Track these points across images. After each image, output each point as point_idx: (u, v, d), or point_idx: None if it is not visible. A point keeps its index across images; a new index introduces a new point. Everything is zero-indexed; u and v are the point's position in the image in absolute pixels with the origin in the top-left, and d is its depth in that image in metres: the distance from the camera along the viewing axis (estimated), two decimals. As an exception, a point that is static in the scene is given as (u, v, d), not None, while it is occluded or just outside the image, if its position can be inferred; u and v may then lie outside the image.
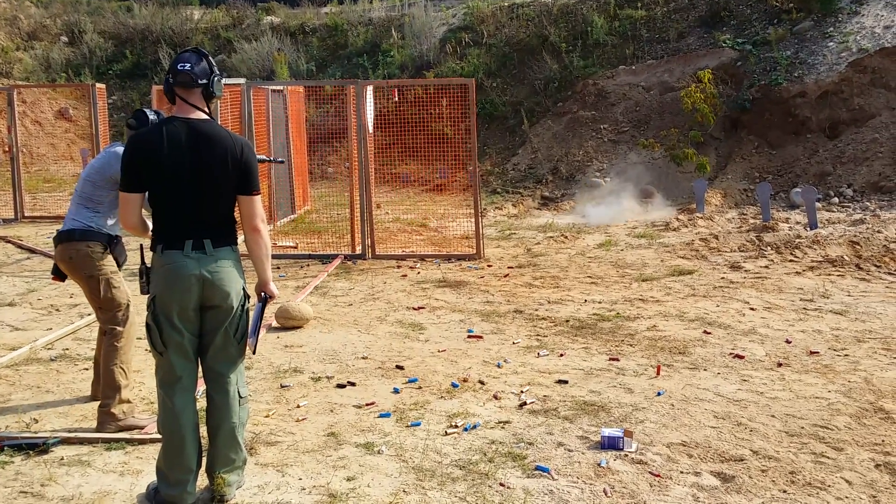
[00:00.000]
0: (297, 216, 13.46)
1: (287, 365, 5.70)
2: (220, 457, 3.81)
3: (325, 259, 9.95)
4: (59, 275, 4.90)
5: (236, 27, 29.08)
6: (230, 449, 3.81)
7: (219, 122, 3.97)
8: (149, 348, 3.81)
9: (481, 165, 17.39)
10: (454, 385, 5.27)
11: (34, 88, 25.80)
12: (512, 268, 9.33)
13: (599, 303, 7.54)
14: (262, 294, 4.01)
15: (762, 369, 5.62)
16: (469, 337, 6.47)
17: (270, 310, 6.39)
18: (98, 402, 4.66)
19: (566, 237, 11.14)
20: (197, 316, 3.75)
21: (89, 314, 7.10)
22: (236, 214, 3.86)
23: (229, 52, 26.58)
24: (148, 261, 3.91)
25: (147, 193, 3.76)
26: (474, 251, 10.04)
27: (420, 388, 5.25)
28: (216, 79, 3.81)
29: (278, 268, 9.53)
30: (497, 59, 20.13)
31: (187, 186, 3.69)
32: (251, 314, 3.93)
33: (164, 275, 3.69)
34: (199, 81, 3.75)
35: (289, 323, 6.69)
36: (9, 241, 11.11)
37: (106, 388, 4.63)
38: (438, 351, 6.07)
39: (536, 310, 7.31)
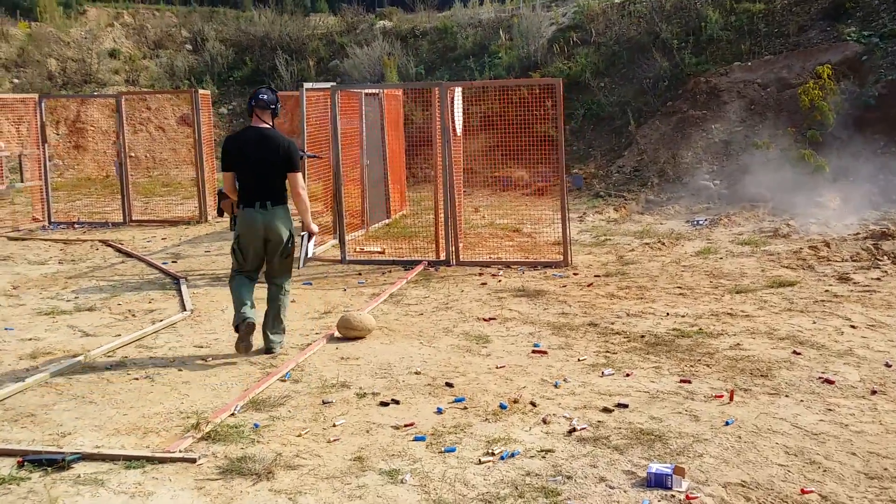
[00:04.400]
0: (392, 220, 13.34)
1: (336, 379, 5.49)
2: (268, 322, 6.23)
3: (409, 265, 9.74)
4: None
5: (350, 32, 29.44)
6: (275, 319, 6.25)
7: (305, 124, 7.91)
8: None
9: (585, 168, 16.88)
10: (502, 406, 4.93)
11: (157, 95, 26.76)
12: (598, 276, 8.87)
13: (683, 317, 7.02)
14: (307, 233, 6.39)
15: (853, 397, 5.03)
16: (533, 352, 6.11)
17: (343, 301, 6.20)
18: None
19: (663, 244, 10.57)
20: (262, 245, 6.14)
21: (162, 320, 7.13)
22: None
23: (342, 58, 26.93)
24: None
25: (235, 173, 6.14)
26: (562, 258, 9.62)
27: (465, 408, 4.93)
28: (278, 105, 6.29)
29: (360, 273, 9.40)
30: (606, 58, 19.53)
31: (254, 168, 6.08)
32: (299, 245, 6.37)
33: (242, 220, 6.14)
34: (270, 106, 6.23)
35: (350, 333, 6.50)
36: (110, 245, 11.42)
37: None
38: (497, 367, 5.74)
39: (613, 323, 6.87)
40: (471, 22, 24.74)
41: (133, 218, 14.02)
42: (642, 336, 6.44)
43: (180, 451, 4.24)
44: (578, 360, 5.89)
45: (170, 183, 20.91)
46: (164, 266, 9.76)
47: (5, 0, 41.72)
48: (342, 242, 10.13)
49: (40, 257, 10.59)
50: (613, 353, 6.01)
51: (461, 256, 10.00)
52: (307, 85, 10.36)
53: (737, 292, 7.85)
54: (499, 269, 9.47)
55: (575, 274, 9.05)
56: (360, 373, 5.65)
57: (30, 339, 6.53)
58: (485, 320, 7.10)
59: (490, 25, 23.73)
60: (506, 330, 6.78)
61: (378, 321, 7.09)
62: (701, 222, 12.12)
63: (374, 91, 13.05)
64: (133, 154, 26.76)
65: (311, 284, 8.77)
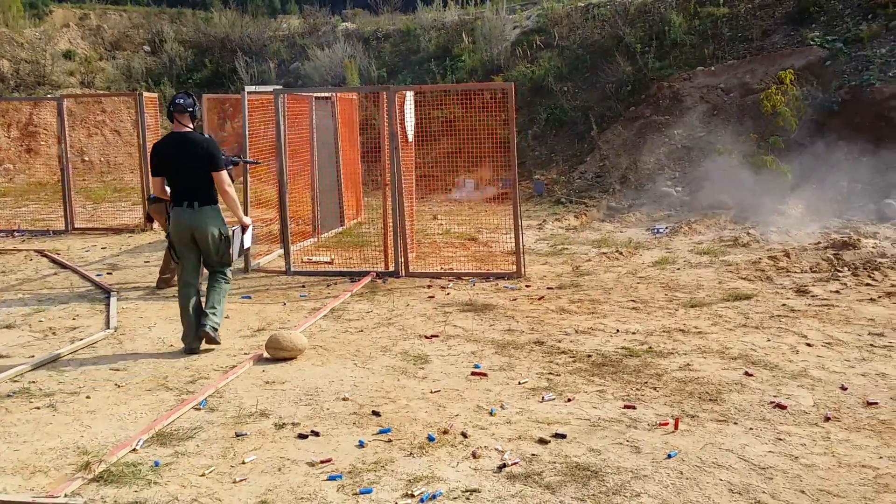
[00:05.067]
0: (346, 228, 12.94)
1: (256, 407, 5.09)
2: (207, 304, 6.47)
3: (356, 276, 9.35)
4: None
5: (313, 34, 28.98)
6: (214, 302, 6.49)
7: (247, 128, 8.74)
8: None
9: (547, 174, 16.58)
10: (430, 438, 4.55)
11: (114, 98, 26.08)
12: (551, 289, 8.53)
13: (633, 333, 6.68)
14: (239, 226, 6.74)
15: (805, 424, 4.71)
16: (473, 374, 5.74)
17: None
18: None
19: (621, 253, 10.26)
20: (192, 242, 6.45)
21: (82, 339, 6.68)
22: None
23: (304, 60, 26.46)
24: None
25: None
26: (515, 269, 9.27)
27: (390, 440, 4.55)
28: (196, 108, 6.49)
29: (303, 286, 8.99)
30: (569, 62, 19.25)
31: (180, 170, 6.38)
32: (233, 239, 6.59)
33: (172, 220, 6.47)
34: (188, 109, 6.46)
35: (279, 354, 6.09)
36: (45, 255, 10.91)
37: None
38: (431, 391, 5.36)
39: (560, 341, 6.52)
40: (434, 25, 24.39)
41: (76, 226, 13.49)
42: (589, 356, 6.10)
43: (65, 496, 3.83)
44: (519, 383, 5.53)
45: (123, 188, 20.32)
46: (96, 278, 9.28)
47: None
48: (287, 253, 9.72)
49: (-32, 269, 10.08)
50: (557, 375, 5.66)
51: (411, 267, 9.62)
52: (249, 88, 9.93)
53: (691, 306, 7.54)
54: (449, 280, 9.11)
55: (527, 286, 8.71)
56: (283, 399, 5.24)
57: (-69, 363, 6.07)
58: (426, 338, 6.72)
59: (453, 28, 23.40)
60: (447, 348, 6.41)
61: (313, 339, 6.70)
62: (661, 230, 11.83)
63: (325, 95, 12.64)
64: (87, 158, 26.14)
65: (249, 298, 8.36)
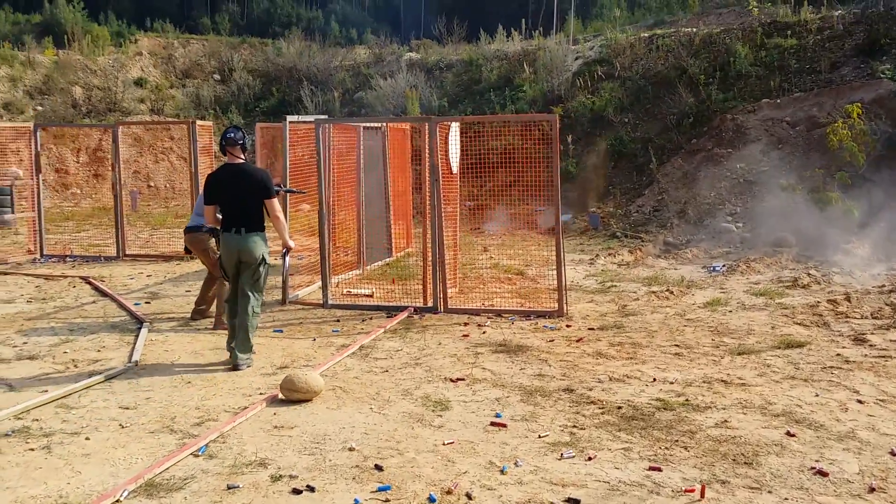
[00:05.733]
0: (394, 259, 12.74)
1: (256, 455, 4.84)
2: (235, 334, 6.90)
3: (393, 311, 9.11)
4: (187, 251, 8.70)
5: (377, 64, 29.14)
6: (242, 333, 6.85)
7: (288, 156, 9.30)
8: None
9: (604, 206, 16.17)
10: (431, 499, 4.23)
11: (182, 125, 26.55)
12: (592, 329, 8.15)
13: (671, 383, 6.27)
14: (286, 249, 7.34)
15: (846, 495, 4.26)
16: (492, 424, 5.40)
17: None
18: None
19: (671, 292, 9.81)
20: (237, 264, 6.93)
21: (101, 372, 6.57)
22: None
23: (367, 89, 26.58)
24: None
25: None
26: (556, 307, 8.91)
27: (387, 501, 4.24)
28: (246, 140, 7.07)
29: (338, 320, 8.79)
30: (630, 92, 18.86)
31: (232, 199, 6.91)
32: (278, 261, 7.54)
33: (223, 243, 6.99)
34: (239, 142, 7.00)
35: (294, 396, 5.85)
36: (89, 282, 10.94)
37: (219, 306, 8.21)
38: (444, 443, 5.05)
39: (591, 389, 6.14)
40: (497, 55, 24.23)
41: (128, 252, 13.58)
42: (619, 407, 5.71)
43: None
44: (539, 436, 5.17)
45: (184, 214, 20.50)
46: (133, 307, 9.23)
47: (38, 25, 42.33)
48: (324, 285, 9.53)
49: (11, 295, 10.13)
50: (581, 429, 5.29)
51: (452, 302, 9.34)
52: (290, 119, 9.83)
53: (738, 353, 7.08)
54: (488, 317, 8.80)
55: (568, 326, 8.34)
56: (287, 447, 4.99)
57: (-57, 395, 5.99)
58: (452, 381, 6.42)
59: (515, 59, 23.20)
60: (471, 394, 6.09)
61: (335, 379, 6.46)
62: (718, 269, 11.32)
63: (375, 125, 12.50)
64: (152, 184, 26.63)
65: (281, 332, 8.17)
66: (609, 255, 12.82)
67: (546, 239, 14.26)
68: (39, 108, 27.07)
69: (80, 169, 25.42)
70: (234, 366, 6.80)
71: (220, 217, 7.01)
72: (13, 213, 16.53)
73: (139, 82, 30.47)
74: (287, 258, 7.48)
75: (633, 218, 15.08)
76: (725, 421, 5.39)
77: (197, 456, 4.78)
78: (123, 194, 13.77)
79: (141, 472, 4.46)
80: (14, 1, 64.85)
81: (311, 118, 9.97)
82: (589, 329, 8.18)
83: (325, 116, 13.92)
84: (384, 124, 12.73)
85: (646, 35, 21.15)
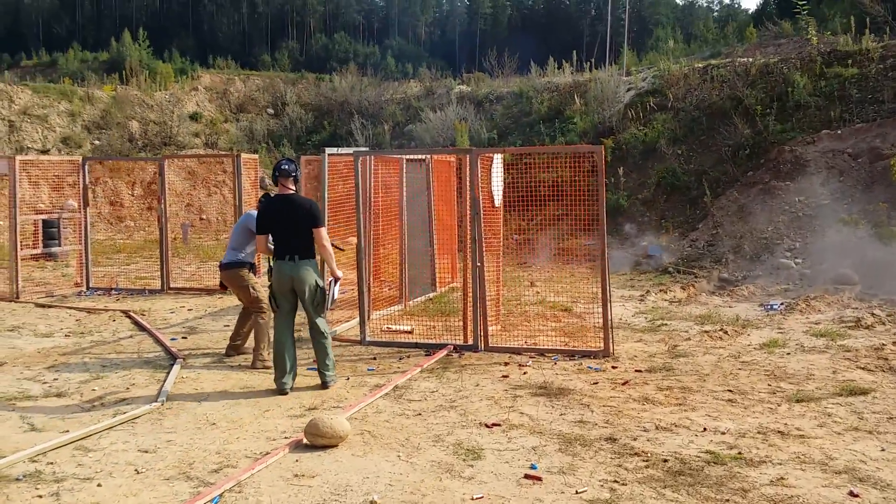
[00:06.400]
0: (438, 294, 12.46)
1: (272, 506, 4.55)
2: (319, 362, 7.35)
3: (432, 349, 8.80)
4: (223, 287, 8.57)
5: (428, 97, 29.14)
6: (324, 358, 7.30)
7: (326, 189, 9.48)
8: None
9: (655, 241, 15.69)
10: (453, 561, 3.89)
11: (225, 159, 26.79)
12: (639, 371, 7.73)
13: (723, 433, 5.83)
14: (333, 278, 7.36)
15: (920, 570, 3.80)
16: (526, 476, 5.04)
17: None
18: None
19: (725, 332, 9.33)
20: (291, 292, 7.21)
21: (126, 411, 6.37)
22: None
23: (417, 122, 26.54)
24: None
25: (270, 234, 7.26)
26: (602, 347, 8.51)
27: (406, 561, 3.91)
28: (298, 172, 7.43)
29: (374, 358, 8.50)
30: (684, 124, 18.43)
31: (284, 228, 7.16)
32: (326, 290, 7.30)
33: (275, 272, 7.24)
34: (292, 174, 7.29)
35: (318, 441, 5.56)
36: (129, 316, 10.85)
37: (257, 342, 8.11)
38: (472, 498, 4.70)
39: (635, 439, 5.74)
40: (547, 87, 23.99)
41: (172, 285, 13.53)
42: (665, 460, 5.29)
43: None
44: (577, 492, 4.79)
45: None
46: (169, 343, 9.07)
47: (105, 63, 43.42)
48: (362, 322, 9.26)
49: (51, 328, 10.07)
50: (623, 485, 4.89)
51: (493, 340, 9.00)
52: (329, 151, 9.65)
53: (797, 401, 6.60)
54: (530, 357, 8.43)
55: (613, 367, 7.93)
56: (305, 498, 4.69)
57: (-38, 434, 5.83)
58: (487, 426, 6.07)
59: (566, 90, 22.93)
60: (506, 441, 5.73)
61: (365, 422, 6.16)
62: (775, 307, 10.80)
63: (419, 157, 12.29)
64: (205, 216, 26.83)
65: (315, 369, 7.90)
66: (660, 291, 12.36)
67: (594, 274, 13.85)
68: (97, 142, 27.56)
69: (134, 202, 25.75)
70: (324, 384, 7.26)
71: (273, 246, 7.28)
72: (60, 245, 16.66)
73: (194, 117, 30.92)
74: (336, 287, 7.45)
75: (686, 253, 14.59)
76: (781, 478, 4.94)
77: (209, 507, 4.51)
78: (169, 227, 13.72)
79: (147, 526, 4.20)
80: (84, 39, 67.13)
81: (350, 150, 9.78)
82: (636, 371, 7.76)
83: (366, 149, 13.74)
84: (428, 156, 12.51)
85: (700, 66, 20.70)
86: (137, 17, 78.99)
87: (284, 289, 7.19)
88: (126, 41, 46.67)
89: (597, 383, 7.33)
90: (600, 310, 8.70)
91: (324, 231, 7.33)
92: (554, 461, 5.32)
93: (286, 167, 7.31)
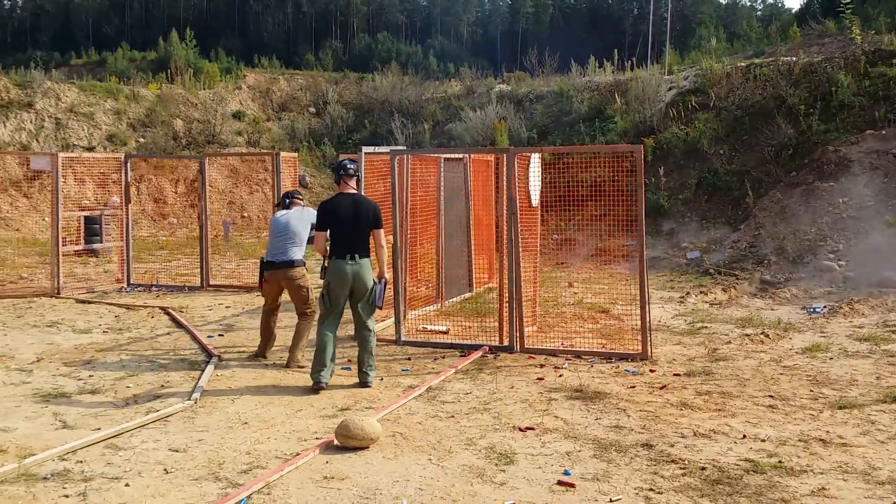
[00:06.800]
0: (474, 294, 12.39)
1: (301, 509, 4.51)
2: (362, 361, 7.34)
3: (467, 350, 8.73)
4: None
5: (468, 96, 29.05)
6: (367, 357, 7.33)
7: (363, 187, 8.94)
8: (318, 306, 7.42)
9: (697, 242, 15.47)
10: (481, 568, 3.82)
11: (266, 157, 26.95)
12: (678, 375, 7.60)
13: (763, 441, 5.68)
14: (381, 278, 7.37)
15: (968, 589, 3.65)
16: (559, 483, 4.95)
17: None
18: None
19: (767, 336, 9.15)
20: (348, 292, 7.24)
21: (159, 409, 6.39)
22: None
23: (457, 121, 26.48)
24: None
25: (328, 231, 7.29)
26: (640, 350, 8.38)
27: (433, 568, 3.85)
28: (360, 173, 8.02)
29: (409, 358, 8.46)
30: (726, 123, 18.14)
31: (347, 227, 7.22)
32: (376, 290, 7.31)
33: (334, 270, 7.22)
34: (356, 174, 7.48)
35: (349, 443, 5.52)
36: (167, 313, 10.93)
37: (296, 342, 8.10)
38: (502, 504, 4.63)
39: (672, 445, 5.62)
40: (588, 86, 23.79)
41: (211, 282, 13.62)
42: (703, 468, 5.17)
43: None
44: (611, 500, 4.69)
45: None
46: (206, 340, 9.12)
47: (153, 62, 44.07)
48: (397, 321, 9.23)
49: (90, 324, 10.17)
50: (658, 493, 4.78)
51: (529, 342, 8.91)
52: (366, 149, 9.63)
53: (839, 408, 6.43)
54: (566, 359, 8.33)
55: (651, 370, 7.80)
56: (334, 501, 4.64)
57: (-3, 430, 5.89)
58: (520, 430, 5.99)
59: (606, 89, 22.71)
60: (540, 446, 5.65)
61: (397, 424, 6.12)
62: (818, 310, 10.57)
63: (457, 156, 12.22)
64: (246, 214, 27.04)
65: (349, 369, 7.88)
66: (700, 293, 12.17)
67: (634, 274, 13.69)
68: (141, 139, 27.91)
69: (177, 199, 26.03)
70: (364, 384, 7.29)
71: (330, 244, 7.28)
72: (101, 241, 16.89)
73: (237, 115, 31.16)
74: (385, 288, 7.45)
75: (727, 254, 14.34)
76: (823, 488, 4.80)
77: (237, 508, 4.49)
78: (210, 225, 13.82)
79: (174, 526, 4.18)
80: (132, 39, 68.31)
81: (386, 149, 9.75)
82: (674, 375, 7.63)
83: (403, 147, 13.70)
84: (466, 155, 12.43)
85: (743, 65, 20.37)
86: (185, 16, 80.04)
87: (343, 288, 7.20)
88: (173, 41, 47.30)
89: (634, 387, 7.21)
90: (638, 311, 8.58)
91: (383, 233, 7.43)
92: (588, 467, 5.22)
93: (351, 167, 7.43)
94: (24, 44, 78.79)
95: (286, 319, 9.07)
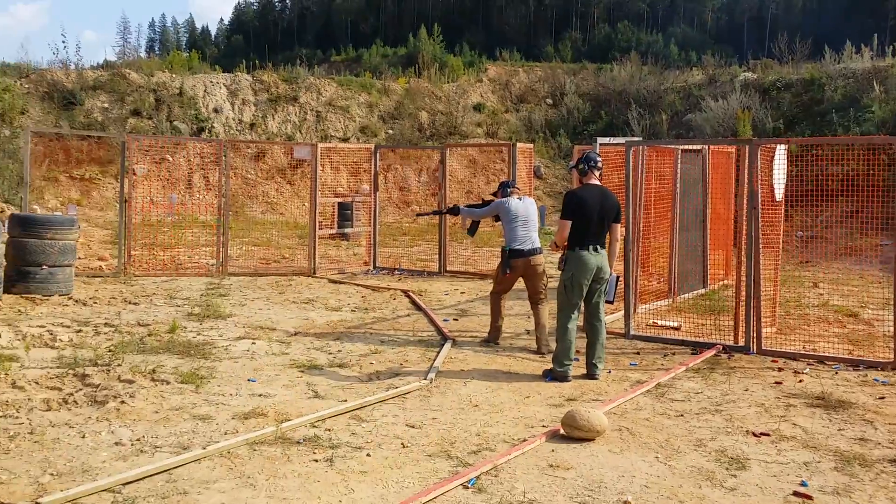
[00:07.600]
0: (709, 290, 12.04)
1: (524, 495, 4.62)
2: (594, 354, 7.42)
3: (699, 348, 8.53)
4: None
5: (710, 85, 28.06)
6: (601, 350, 7.45)
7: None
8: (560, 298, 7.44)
9: (966, 244, 14.03)
10: (705, 570, 3.77)
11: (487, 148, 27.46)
12: (935, 389, 7.00)
13: None
14: (615, 274, 7.65)
15: None
16: (795, 494, 4.75)
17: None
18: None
19: None
20: (589, 282, 7.32)
21: (398, 386, 6.79)
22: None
23: (697, 111, 25.66)
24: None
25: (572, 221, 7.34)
26: (892, 358, 7.79)
27: (655, 564, 3.84)
28: (601, 166, 7.63)
29: (638, 353, 8.40)
30: None
31: (594, 218, 7.30)
32: (610, 283, 7.52)
33: (578, 260, 7.29)
34: (601, 167, 7.62)
35: (574, 434, 5.59)
36: (408, 296, 11.52)
37: (545, 328, 8.37)
38: (732, 509, 4.51)
39: (924, 463, 5.21)
40: (842, 73, 22.19)
41: (448, 269, 14.18)
42: (958, 490, 4.77)
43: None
44: (849, 514, 4.45)
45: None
46: (441, 323, 9.53)
47: (402, 57, 46.19)
48: (627, 315, 9.17)
49: (340, 303, 10.94)
50: (904, 511, 4.48)
51: (767, 343, 8.54)
52: (601, 140, 9.62)
53: None
54: (807, 363, 7.92)
55: (905, 382, 7.25)
56: (559, 490, 4.74)
57: (259, 396, 6.48)
58: (754, 435, 5.79)
59: (864, 77, 21.07)
60: (775, 453, 5.44)
61: (624, 418, 6.12)
62: None
63: (695, 147, 11.89)
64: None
65: (577, 360, 7.94)
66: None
67: (888, 276, 12.70)
68: (390, 131, 29.41)
69: (420, 187, 27.23)
70: (592, 375, 7.38)
71: (571, 234, 7.32)
72: (352, 226, 18.05)
73: (478, 107, 32.00)
74: (616, 282, 7.69)
75: None
76: None
77: (466, 487, 4.70)
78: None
79: (405, 501, 4.45)
80: (386, 36, 72.16)
81: (622, 140, 9.68)
82: (931, 388, 7.04)
83: (639, 139, 13.51)
84: (704, 147, 12.06)
85: None
86: (433, 13, 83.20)
87: (586, 278, 7.27)
88: (422, 37, 49.39)
89: (883, 398, 6.74)
90: (892, 317, 7.98)
91: (620, 227, 7.65)
92: (828, 480, 4.97)
93: (600, 161, 7.61)
94: (291, 42, 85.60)
95: (516, 307, 9.26)
